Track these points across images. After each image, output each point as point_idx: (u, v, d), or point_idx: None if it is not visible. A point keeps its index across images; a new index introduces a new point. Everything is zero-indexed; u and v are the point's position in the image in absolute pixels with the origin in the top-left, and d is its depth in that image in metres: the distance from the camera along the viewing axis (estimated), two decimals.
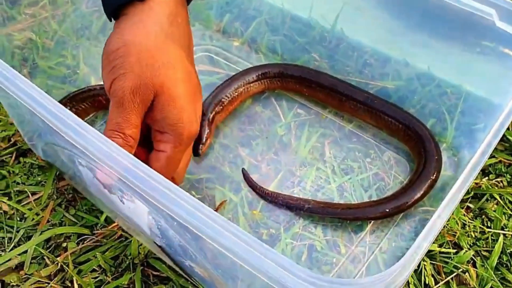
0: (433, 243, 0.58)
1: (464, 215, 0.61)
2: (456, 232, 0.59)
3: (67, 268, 0.56)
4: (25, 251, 0.57)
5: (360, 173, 0.63)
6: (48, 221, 0.60)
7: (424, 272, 0.56)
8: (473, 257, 0.58)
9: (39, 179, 0.64)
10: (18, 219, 0.61)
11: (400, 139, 0.66)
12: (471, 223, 0.61)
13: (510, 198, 0.63)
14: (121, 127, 0.46)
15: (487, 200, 0.63)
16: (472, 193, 0.63)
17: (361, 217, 0.58)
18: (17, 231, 0.59)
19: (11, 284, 0.55)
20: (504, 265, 0.58)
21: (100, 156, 0.39)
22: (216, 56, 0.77)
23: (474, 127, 0.63)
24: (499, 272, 0.57)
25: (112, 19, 0.50)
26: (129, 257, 0.57)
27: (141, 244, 0.58)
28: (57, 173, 0.64)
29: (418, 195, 0.58)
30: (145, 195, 0.38)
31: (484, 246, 0.59)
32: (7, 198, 0.62)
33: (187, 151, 0.53)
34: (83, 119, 0.42)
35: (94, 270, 0.56)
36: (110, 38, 0.47)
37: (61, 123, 0.41)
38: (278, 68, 0.71)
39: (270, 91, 0.72)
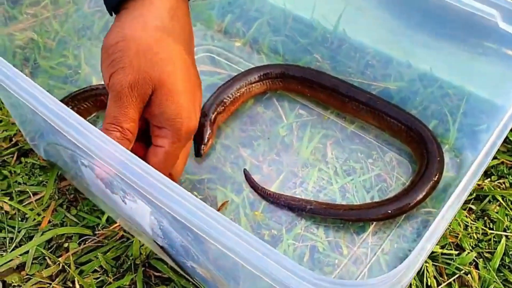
0: (435, 244, 0.58)
1: (466, 216, 0.61)
2: (458, 234, 0.59)
3: (68, 269, 0.56)
4: (27, 252, 0.57)
5: (362, 174, 0.63)
6: (49, 222, 0.60)
7: (426, 274, 0.56)
8: (475, 259, 0.58)
9: (41, 179, 0.64)
10: (20, 219, 0.61)
11: (403, 140, 0.65)
12: (473, 224, 0.61)
13: None
14: (119, 120, 0.46)
15: (489, 201, 0.63)
16: (474, 194, 0.63)
17: (363, 218, 0.58)
18: (19, 231, 0.59)
19: (12, 284, 0.55)
20: (507, 267, 0.58)
21: (103, 156, 0.39)
22: (217, 56, 0.77)
23: (476, 128, 0.62)
24: (502, 274, 0.57)
25: (113, 14, 0.49)
26: (131, 258, 0.57)
27: (142, 245, 0.57)
28: (59, 173, 0.64)
29: (420, 196, 0.58)
30: (148, 195, 0.38)
31: (487, 247, 0.59)
32: (8, 198, 0.62)
33: (185, 148, 0.53)
34: (85, 118, 0.42)
35: (95, 271, 0.56)
36: (110, 32, 0.47)
37: (63, 122, 0.41)
38: (280, 68, 0.71)
39: (272, 91, 0.72)
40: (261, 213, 0.59)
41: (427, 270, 0.56)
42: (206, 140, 0.63)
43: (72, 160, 0.53)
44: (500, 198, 0.63)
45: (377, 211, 0.58)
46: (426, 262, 0.57)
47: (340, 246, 0.57)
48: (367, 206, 0.59)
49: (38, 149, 0.64)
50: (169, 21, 0.48)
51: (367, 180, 0.63)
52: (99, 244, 0.58)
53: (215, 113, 0.65)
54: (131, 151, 0.47)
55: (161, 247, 0.51)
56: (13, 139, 0.68)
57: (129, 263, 0.56)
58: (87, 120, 0.42)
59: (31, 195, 0.63)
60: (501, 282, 0.56)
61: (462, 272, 0.56)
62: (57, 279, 0.56)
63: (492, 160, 0.65)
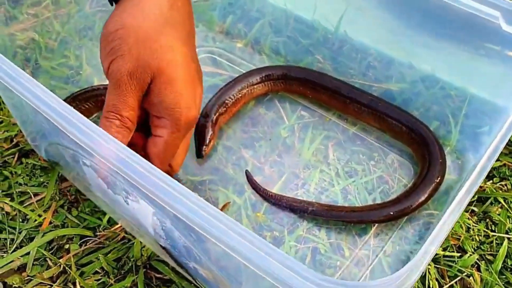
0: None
1: (468, 218, 0.61)
2: (460, 236, 0.59)
3: (69, 270, 0.56)
4: (28, 253, 0.57)
5: (364, 175, 0.63)
6: (50, 223, 0.60)
7: (428, 276, 0.56)
8: (478, 261, 0.58)
9: (42, 180, 0.64)
10: (21, 220, 0.60)
11: (404, 142, 0.65)
12: (475, 226, 0.60)
13: None
14: (118, 108, 0.46)
15: (491, 203, 0.62)
16: (476, 196, 0.63)
17: (365, 220, 0.58)
18: (19, 233, 0.59)
19: (13, 286, 0.55)
20: (509, 269, 0.57)
21: (105, 154, 0.39)
22: (219, 57, 0.77)
23: (478, 130, 0.62)
24: (504, 277, 0.57)
25: (114, 4, 0.49)
26: (132, 259, 0.56)
27: (144, 246, 0.57)
28: (60, 174, 0.64)
29: (422, 198, 0.57)
30: (151, 195, 0.38)
31: (489, 250, 0.59)
32: (9, 199, 0.62)
33: (185, 139, 0.52)
34: None
35: (96, 272, 0.56)
36: (109, 20, 0.47)
37: (66, 122, 0.41)
38: (282, 70, 0.70)
39: (273, 93, 0.72)
40: (263, 215, 0.59)
41: (429, 272, 0.56)
42: (207, 141, 0.63)
43: (73, 160, 0.53)
44: (502, 200, 0.63)
45: (379, 213, 0.58)
46: (428, 264, 0.57)
47: (342, 248, 0.57)
48: (369, 208, 0.59)
49: (40, 150, 0.64)
50: (168, 10, 0.48)
51: (369, 181, 0.62)
52: (100, 246, 0.58)
53: (217, 114, 0.65)
54: (131, 141, 0.48)
55: (164, 248, 0.51)
56: (14, 139, 0.68)
57: (130, 264, 0.56)
58: None
59: (32, 196, 0.62)
60: (503, 285, 0.56)
61: (464, 274, 0.56)
62: (58, 281, 0.55)
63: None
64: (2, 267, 0.56)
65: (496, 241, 0.59)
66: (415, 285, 0.55)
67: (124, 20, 0.46)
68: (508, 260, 0.58)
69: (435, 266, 0.57)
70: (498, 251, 0.58)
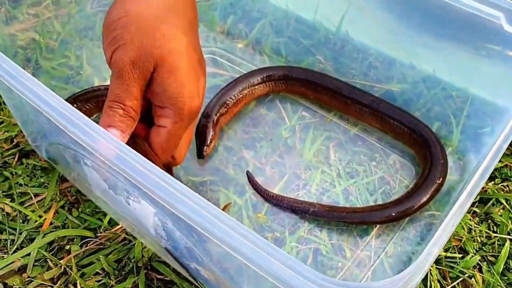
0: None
1: (470, 219, 0.61)
2: (462, 237, 0.59)
3: (70, 271, 0.55)
4: (28, 254, 0.57)
5: (366, 176, 0.63)
6: (51, 223, 0.60)
7: (430, 277, 0.56)
8: (479, 262, 0.57)
9: (42, 180, 0.64)
10: (21, 221, 0.60)
11: (406, 143, 0.65)
12: (477, 227, 0.60)
13: None
14: (121, 98, 0.45)
15: (493, 204, 0.62)
16: (478, 197, 0.63)
17: (366, 221, 0.58)
18: (20, 233, 0.59)
19: (13, 287, 0.55)
20: (511, 271, 0.57)
21: (107, 155, 0.39)
22: (220, 58, 0.77)
23: (480, 131, 0.62)
24: (506, 278, 0.57)
25: None
26: (133, 260, 0.56)
27: (145, 247, 0.57)
28: (60, 175, 0.64)
29: (424, 199, 0.57)
30: (152, 195, 0.37)
31: (490, 251, 0.59)
32: (9, 199, 0.62)
33: (188, 130, 0.52)
34: None
35: (97, 273, 0.56)
36: (111, 8, 0.46)
37: (68, 122, 0.41)
38: (283, 70, 0.70)
39: (274, 93, 0.72)
40: (264, 216, 0.59)
41: (430, 273, 0.56)
42: (208, 142, 0.63)
43: (74, 161, 0.53)
44: (504, 201, 0.62)
45: (380, 214, 0.57)
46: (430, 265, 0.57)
47: (344, 249, 0.57)
48: (371, 209, 0.59)
49: (40, 150, 0.64)
50: None
51: (370, 182, 0.62)
52: (101, 247, 0.58)
53: (218, 114, 0.65)
54: (134, 132, 0.47)
55: (165, 249, 0.51)
56: (15, 140, 0.68)
57: (131, 265, 0.56)
58: None
59: (33, 196, 0.62)
60: (505, 286, 0.56)
61: (466, 275, 0.56)
62: (58, 282, 0.55)
63: None
64: (2, 268, 0.56)
65: (498, 242, 0.59)
66: (417, 286, 0.55)
67: (127, 8, 0.46)
68: (510, 261, 0.58)
69: (436, 267, 0.57)
70: (500, 252, 0.58)
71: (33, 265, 0.56)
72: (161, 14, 0.46)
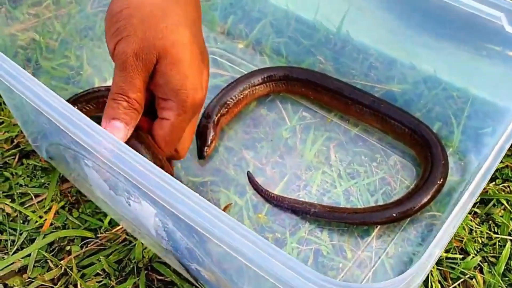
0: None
1: (471, 220, 0.61)
2: (463, 238, 0.59)
3: (70, 272, 0.55)
4: (28, 254, 0.57)
5: (366, 177, 0.63)
6: (51, 224, 0.60)
7: (430, 278, 0.56)
8: (480, 263, 0.57)
9: (43, 181, 0.64)
10: (21, 221, 0.60)
11: (407, 143, 0.65)
12: (478, 228, 0.60)
13: None
14: (125, 90, 0.45)
15: (494, 205, 0.62)
16: (479, 198, 0.63)
17: (367, 222, 0.58)
18: (20, 234, 0.59)
19: (14, 287, 0.55)
20: None
21: (109, 156, 0.39)
22: (220, 58, 0.77)
23: (480, 131, 0.62)
24: (507, 279, 0.56)
25: None
26: (133, 261, 0.56)
27: (145, 248, 0.57)
28: (61, 175, 0.64)
29: (425, 200, 0.57)
30: (153, 195, 0.37)
31: (491, 252, 0.59)
32: (10, 200, 0.62)
33: (191, 123, 0.51)
34: None
35: (98, 274, 0.56)
36: (114, 0, 0.46)
37: (69, 122, 0.40)
38: (284, 71, 0.70)
39: (275, 94, 0.71)
40: (265, 216, 0.59)
41: (431, 274, 0.56)
42: (209, 142, 0.63)
43: (75, 161, 0.53)
44: (504, 202, 0.62)
45: (381, 214, 0.57)
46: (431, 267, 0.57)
47: (344, 249, 0.57)
48: (371, 210, 0.59)
49: (41, 151, 0.64)
50: None
51: (371, 183, 0.62)
52: (102, 247, 0.58)
53: (218, 115, 0.65)
54: (137, 125, 0.47)
55: (165, 249, 0.51)
56: (15, 140, 0.68)
57: (131, 266, 0.56)
58: None
59: (33, 197, 0.62)
60: (506, 287, 0.56)
61: (466, 276, 0.56)
62: (59, 283, 0.55)
63: None
64: (2, 269, 0.56)
65: (499, 243, 0.59)
66: (418, 287, 0.55)
67: (129, 0, 0.45)
68: (511, 262, 0.58)
69: (437, 268, 0.57)
70: (501, 253, 0.58)
71: (34, 266, 0.56)
72: (163, 6, 0.46)
